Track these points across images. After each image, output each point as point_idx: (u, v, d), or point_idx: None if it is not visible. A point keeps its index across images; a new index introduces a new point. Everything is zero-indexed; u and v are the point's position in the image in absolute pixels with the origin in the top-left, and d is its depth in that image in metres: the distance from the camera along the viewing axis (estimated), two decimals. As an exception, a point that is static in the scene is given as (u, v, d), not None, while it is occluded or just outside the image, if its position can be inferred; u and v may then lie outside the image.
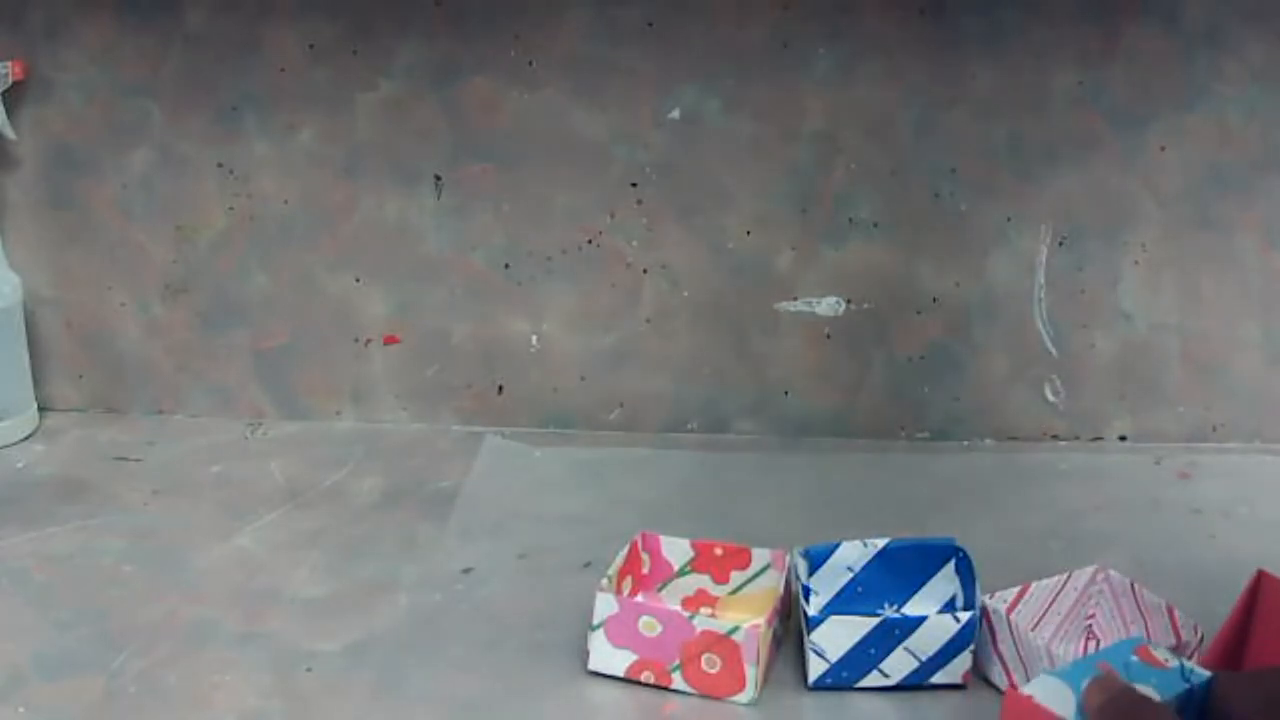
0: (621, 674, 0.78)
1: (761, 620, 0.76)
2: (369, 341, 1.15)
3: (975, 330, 1.10)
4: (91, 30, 1.09)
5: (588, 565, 0.91)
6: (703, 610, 0.84)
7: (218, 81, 1.09)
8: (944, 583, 0.82)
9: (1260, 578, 0.73)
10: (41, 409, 1.16)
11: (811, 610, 0.77)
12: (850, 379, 1.12)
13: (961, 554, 0.81)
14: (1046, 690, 0.61)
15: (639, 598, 0.84)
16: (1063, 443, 1.12)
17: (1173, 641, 0.75)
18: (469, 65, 1.07)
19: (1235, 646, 0.73)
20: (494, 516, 1.00)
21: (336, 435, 1.14)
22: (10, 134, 1.09)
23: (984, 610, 0.76)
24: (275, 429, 1.16)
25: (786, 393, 1.13)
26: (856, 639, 0.75)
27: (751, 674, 0.75)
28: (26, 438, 1.13)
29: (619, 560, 0.82)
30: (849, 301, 1.11)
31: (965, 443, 1.12)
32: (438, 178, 1.10)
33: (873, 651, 0.75)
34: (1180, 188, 1.06)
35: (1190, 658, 0.73)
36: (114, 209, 1.13)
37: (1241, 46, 1.02)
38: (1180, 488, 1.04)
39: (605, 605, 0.78)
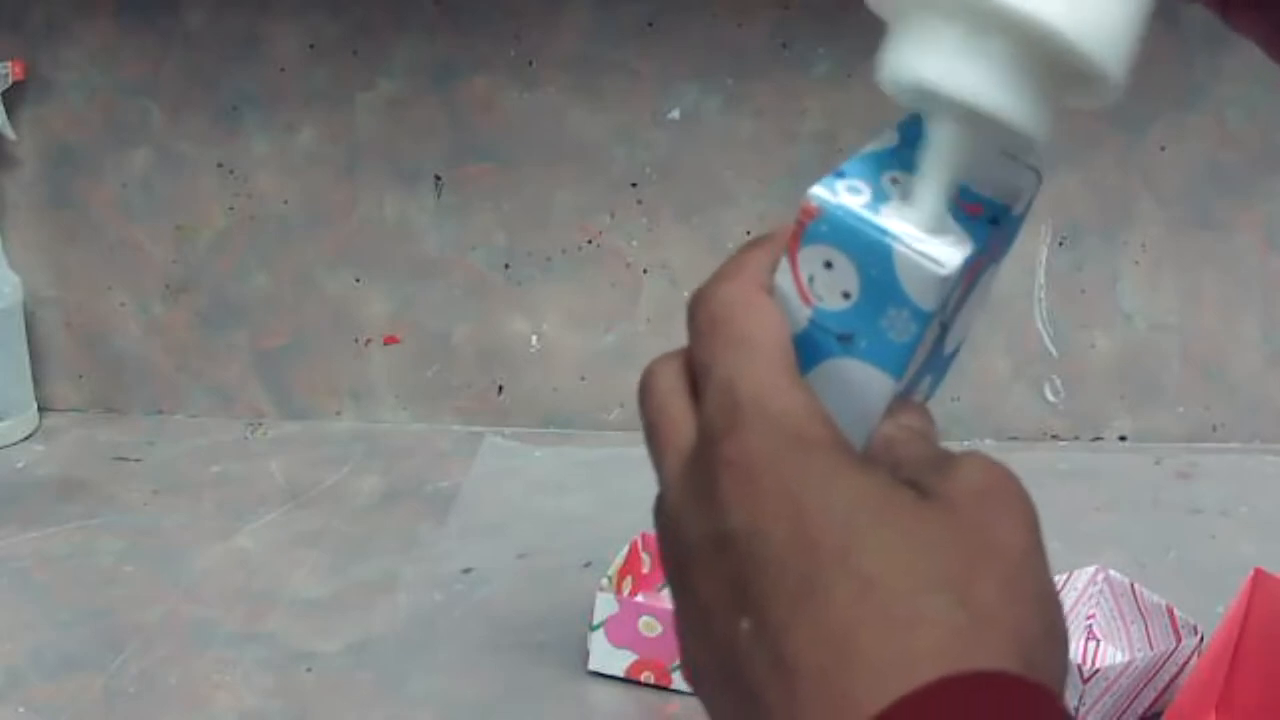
0: (621, 674, 0.78)
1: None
2: (369, 341, 1.15)
3: (975, 330, 1.10)
4: (91, 30, 1.08)
5: (588, 565, 0.91)
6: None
7: (218, 81, 1.09)
8: None
9: (1257, 577, 0.73)
10: (41, 409, 1.16)
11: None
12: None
13: None
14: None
15: (639, 598, 0.84)
16: (1062, 442, 1.12)
17: (1173, 642, 0.75)
18: (469, 65, 1.07)
19: (1233, 646, 0.73)
20: (494, 516, 1.00)
21: (336, 435, 1.14)
22: (10, 134, 1.09)
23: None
24: (275, 429, 1.16)
25: (786, 393, 1.13)
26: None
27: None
28: (26, 438, 1.13)
29: (619, 560, 0.82)
30: (849, 301, 1.10)
31: (965, 442, 1.12)
32: (438, 178, 1.10)
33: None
34: (1180, 187, 1.06)
35: (1190, 659, 0.73)
36: (114, 209, 1.13)
37: (1241, 46, 1.02)
38: (1180, 488, 1.04)
39: (605, 605, 0.78)
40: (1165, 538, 0.95)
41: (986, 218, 0.38)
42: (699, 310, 0.38)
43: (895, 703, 0.30)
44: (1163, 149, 1.05)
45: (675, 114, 1.07)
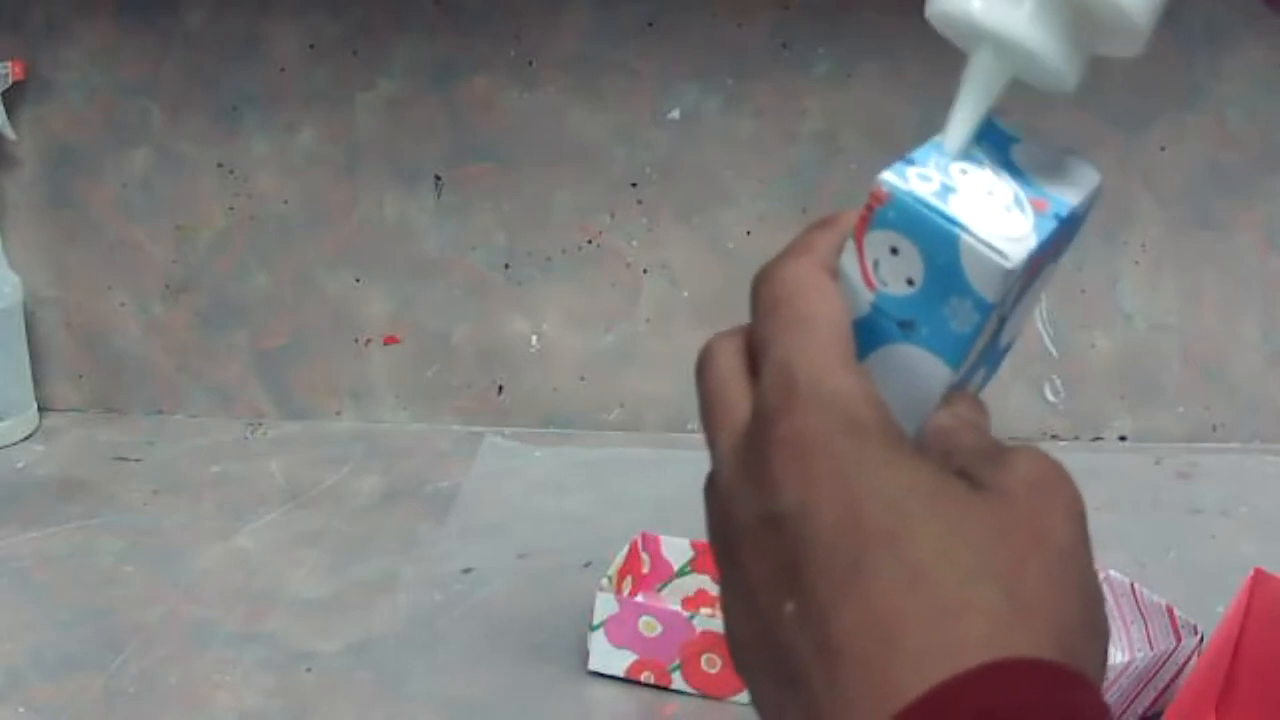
0: (621, 674, 0.78)
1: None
2: (369, 341, 1.15)
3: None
4: (91, 30, 1.08)
5: (588, 565, 0.91)
6: (703, 610, 0.84)
7: (218, 81, 1.09)
8: None
9: (1257, 577, 0.73)
10: (41, 409, 1.16)
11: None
12: (850, 379, 1.12)
13: None
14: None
15: (639, 598, 0.84)
16: (1062, 442, 1.12)
17: (1173, 642, 0.75)
18: (469, 65, 1.07)
19: (1233, 646, 0.73)
20: (494, 516, 1.00)
21: (336, 435, 1.14)
22: (10, 134, 1.09)
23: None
24: (275, 429, 1.16)
25: (786, 393, 1.13)
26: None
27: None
28: (26, 438, 1.13)
29: (619, 560, 0.82)
30: (849, 301, 1.10)
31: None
32: (438, 178, 1.10)
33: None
34: (1180, 187, 1.06)
35: (1190, 659, 0.73)
36: (114, 209, 1.13)
37: (1241, 46, 1.02)
38: (1180, 488, 1.04)
39: (605, 605, 0.78)
40: (1165, 538, 0.95)
41: (1051, 214, 0.39)
42: (762, 288, 0.38)
43: (934, 688, 0.30)
44: (1163, 149, 1.05)
45: (675, 114, 1.07)
